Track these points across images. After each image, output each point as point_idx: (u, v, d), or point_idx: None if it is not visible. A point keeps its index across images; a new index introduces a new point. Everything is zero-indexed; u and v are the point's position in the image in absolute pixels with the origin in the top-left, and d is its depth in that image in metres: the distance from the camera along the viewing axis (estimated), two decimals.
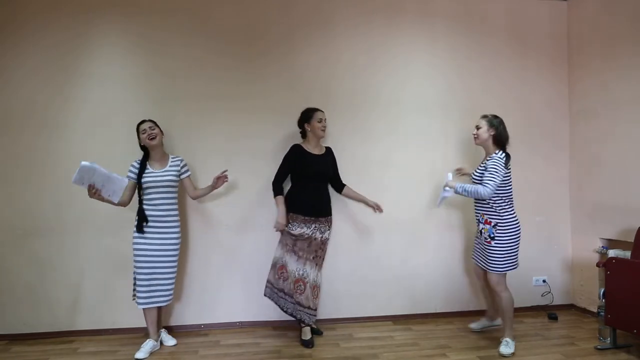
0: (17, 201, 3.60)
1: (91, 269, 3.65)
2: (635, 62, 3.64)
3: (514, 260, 3.23)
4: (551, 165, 4.31)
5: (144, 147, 3.34)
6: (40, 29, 3.64)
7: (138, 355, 3.17)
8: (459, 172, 3.72)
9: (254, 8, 3.89)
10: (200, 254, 3.77)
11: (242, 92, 3.85)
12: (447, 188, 3.34)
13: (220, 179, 3.41)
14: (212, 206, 3.79)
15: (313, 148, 3.55)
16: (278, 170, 3.55)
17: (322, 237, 3.54)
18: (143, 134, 3.27)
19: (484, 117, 3.32)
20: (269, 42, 3.89)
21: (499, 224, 3.19)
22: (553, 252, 4.30)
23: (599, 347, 3.31)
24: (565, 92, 4.36)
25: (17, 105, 3.62)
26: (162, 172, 3.30)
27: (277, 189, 3.52)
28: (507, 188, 3.22)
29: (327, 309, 3.88)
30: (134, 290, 3.30)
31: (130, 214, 3.42)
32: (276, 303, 3.45)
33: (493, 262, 3.22)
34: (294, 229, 3.43)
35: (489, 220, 3.23)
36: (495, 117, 3.29)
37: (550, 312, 4.10)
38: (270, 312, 3.82)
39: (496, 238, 3.20)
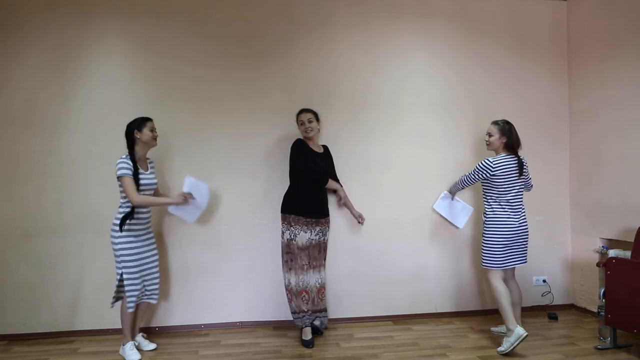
0: (17, 201, 3.60)
1: (91, 269, 3.64)
2: (635, 62, 3.64)
3: (497, 259, 3.28)
4: (551, 165, 4.31)
5: (131, 146, 3.16)
6: (40, 29, 3.64)
7: (133, 357, 3.11)
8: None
9: (253, 8, 3.89)
10: (200, 254, 3.77)
11: (242, 93, 3.85)
12: (448, 196, 3.82)
13: (183, 198, 3.28)
14: (212, 206, 3.79)
15: (312, 145, 3.57)
16: (296, 165, 3.43)
17: (324, 239, 3.59)
18: (150, 131, 3.17)
19: (495, 123, 3.36)
20: (268, 42, 3.89)
21: (486, 221, 3.35)
22: (553, 252, 4.30)
23: (599, 347, 3.31)
24: (565, 92, 4.36)
25: (17, 105, 3.62)
26: (150, 173, 3.23)
27: (317, 177, 3.47)
28: (499, 191, 3.28)
29: (327, 309, 3.88)
30: (119, 293, 3.18)
31: None
32: (311, 324, 3.46)
33: (481, 254, 3.38)
34: (298, 238, 3.40)
35: (483, 217, 3.41)
36: (507, 122, 3.34)
37: (550, 312, 4.10)
38: (271, 312, 3.82)
39: (483, 234, 3.37)
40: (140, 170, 3.13)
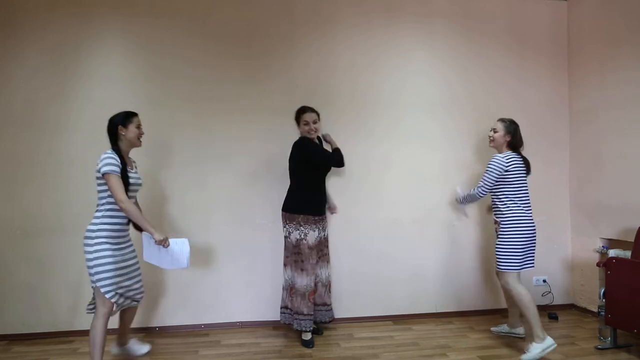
0: (17, 201, 3.60)
1: None
2: (635, 62, 3.64)
3: (516, 260, 3.15)
4: (551, 165, 4.31)
5: (114, 143, 2.79)
6: (40, 29, 3.64)
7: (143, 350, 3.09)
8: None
9: (253, 8, 3.89)
10: (200, 254, 3.77)
11: (242, 93, 3.85)
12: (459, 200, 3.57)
13: (165, 239, 2.80)
14: (212, 206, 3.79)
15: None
16: (320, 157, 3.37)
17: (325, 235, 3.57)
18: (137, 128, 2.83)
19: (502, 121, 3.31)
20: (268, 42, 3.89)
21: (502, 222, 3.22)
22: (553, 252, 4.29)
23: (599, 347, 3.31)
24: (565, 92, 4.36)
25: (17, 105, 3.62)
26: (136, 172, 2.90)
27: (340, 159, 3.44)
28: (513, 188, 3.19)
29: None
30: (108, 297, 2.70)
31: None
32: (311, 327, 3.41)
33: (497, 259, 3.23)
34: (309, 237, 3.34)
35: (496, 219, 3.30)
36: (513, 122, 3.30)
37: (550, 312, 4.10)
38: (271, 312, 3.82)
39: (499, 236, 3.23)
40: (128, 168, 2.78)
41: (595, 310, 3.97)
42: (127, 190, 2.73)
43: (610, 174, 3.88)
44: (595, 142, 4.04)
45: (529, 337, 3.17)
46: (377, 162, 4.01)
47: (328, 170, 3.55)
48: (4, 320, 3.58)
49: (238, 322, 3.83)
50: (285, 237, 3.43)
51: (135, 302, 2.95)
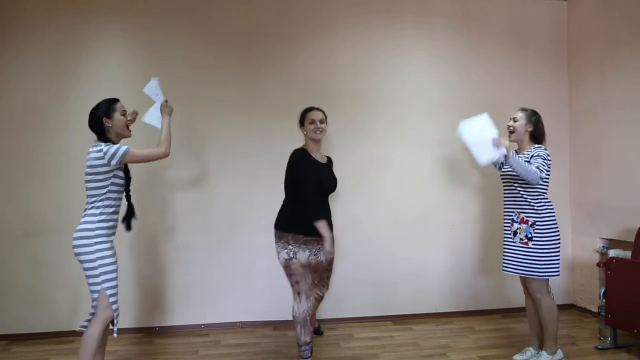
0: (17, 201, 3.60)
1: None
2: (635, 62, 3.64)
3: (555, 265, 2.87)
4: (551, 165, 4.29)
5: (105, 138, 2.52)
6: (40, 29, 3.65)
7: None
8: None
9: (254, 9, 3.89)
10: (200, 254, 3.77)
11: (242, 93, 3.85)
12: (496, 145, 2.67)
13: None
14: (212, 206, 3.79)
15: (315, 154, 3.01)
16: (302, 184, 2.84)
17: (322, 259, 3.05)
18: (123, 115, 2.56)
19: (523, 110, 2.99)
20: (268, 42, 3.89)
21: (537, 223, 2.86)
22: None
23: (599, 347, 3.31)
24: (565, 92, 4.36)
25: (17, 105, 3.62)
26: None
27: (317, 210, 2.88)
28: (547, 185, 2.92)
29: (327, 310, 3.88)
30: (113, 301, 2.46)
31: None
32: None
33: (531, 266, 2.85)
34: (298, 256, 2.89)
35: (526, 218, 2.89)
36: (534, 112, 2.98)
37: None
38: (271, 312, 3.82)
39: (534, 238, 2.86)
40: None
41: (595, 310, 3.97)
42: (126, 191, 2.61)
43: (610, 174, 3.88)
44: (595, 142, 4.03)
45: (535, 341, 3.07)
46: (377, 162, 4.01)
47: (326, 193, 3.09)
48: (4, 320, 3.58)
49: (238, 322, 3.83)
50: (277, 257, 3.02)
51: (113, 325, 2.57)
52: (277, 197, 3.67)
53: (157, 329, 3.72)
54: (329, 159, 3.18)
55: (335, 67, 3.99)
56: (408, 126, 4.07)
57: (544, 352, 2.96)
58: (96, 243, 2.44)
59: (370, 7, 4.06)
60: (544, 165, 2.79)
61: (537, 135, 2.95)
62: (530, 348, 3.12)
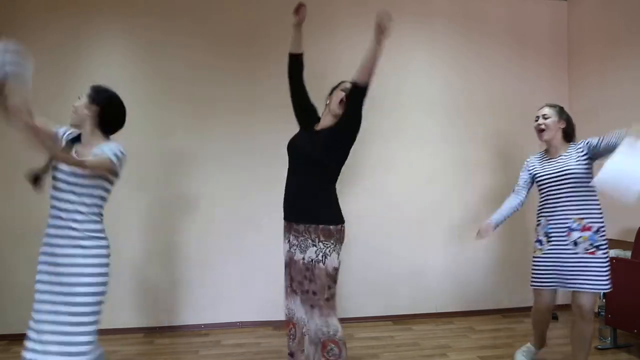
0: (17, 201, 3.59)
1: None
2: (635, 62, 3.64)
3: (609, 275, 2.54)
4: None
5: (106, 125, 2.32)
6: (40, 29, 3.64)
7: None
8: None
9: (254, 9, 3.89)
10: (200, 254, 3.77)
11: (242, 93, 3.85)
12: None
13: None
14: (212, 206, 3.79)
15: (322, 119, 2.68)
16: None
17: (303, 258, 2.30)
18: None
19: (551, 106, 2.72)
20: (268, 42, 3.89)
21: (601, 229, 2.51)
22: None
23: (599, 347, 3.32)
24: (565, 92, 4.36)
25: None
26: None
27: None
28: None
29: None
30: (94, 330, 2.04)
31: (130, 216, 3.40)
32: None
33: (598, 278, 2.47)
34: (282, 248, 2.47)
35: (589, 225, 2.52)
36: (563, 108, 2.75)
37: None
38: (271, 311, 3.81)
39: (602, 246, 2.49)
40: None
41: (595, 310, 3.96)
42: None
43: None
44: None
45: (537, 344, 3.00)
46: (377, 162, 4.01)
47: (298, 157, 2.49)
48: (4, 320, 3.58)
49: (238, 322, 3.83)
50: None
51: None
52: (277, 196, 3.68)
53: (157, 329, 3.72)
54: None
55: (335, 67, 3.97)
56: (408, 126, 4.07)
57: None
58: (106, 274, 2.14)
59: (370, 7, 4.05)
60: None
61: (571, 133, 2.67)
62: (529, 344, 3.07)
